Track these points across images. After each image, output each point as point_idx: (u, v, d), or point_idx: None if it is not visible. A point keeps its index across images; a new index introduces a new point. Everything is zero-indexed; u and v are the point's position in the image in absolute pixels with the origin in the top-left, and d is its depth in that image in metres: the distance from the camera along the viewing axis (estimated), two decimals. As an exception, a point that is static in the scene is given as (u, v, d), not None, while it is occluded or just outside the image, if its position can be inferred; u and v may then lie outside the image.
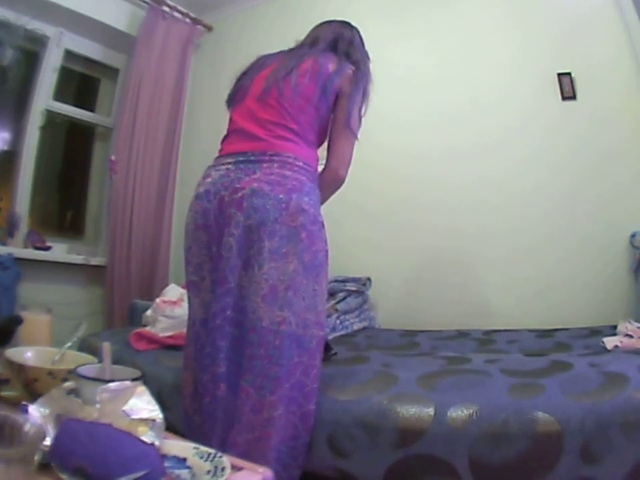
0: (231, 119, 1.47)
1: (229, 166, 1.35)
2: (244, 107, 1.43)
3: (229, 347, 1.25)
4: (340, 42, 1.53)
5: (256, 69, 1.50)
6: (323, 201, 1.46)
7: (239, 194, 1.28)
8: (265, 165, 1.31)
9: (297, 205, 1.29)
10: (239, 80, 1.52)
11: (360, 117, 1.45)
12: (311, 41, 1.55)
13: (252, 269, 1.26)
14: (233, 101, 1.51)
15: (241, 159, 1.34)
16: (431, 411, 1.15)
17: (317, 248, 1.32)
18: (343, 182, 1.44)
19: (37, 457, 0.60)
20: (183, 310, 1.92)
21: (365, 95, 1.45)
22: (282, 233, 1.27)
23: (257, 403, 1.20)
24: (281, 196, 1.28)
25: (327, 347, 1.51)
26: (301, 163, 1.35)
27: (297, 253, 1.27)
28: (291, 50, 1.55)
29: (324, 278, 1.36)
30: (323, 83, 1.38)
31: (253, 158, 1.33)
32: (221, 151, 1.44)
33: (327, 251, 1.37)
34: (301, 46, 1.56)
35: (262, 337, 1.22)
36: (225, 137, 1.46)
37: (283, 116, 1.36)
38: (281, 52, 1.56)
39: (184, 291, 2.10)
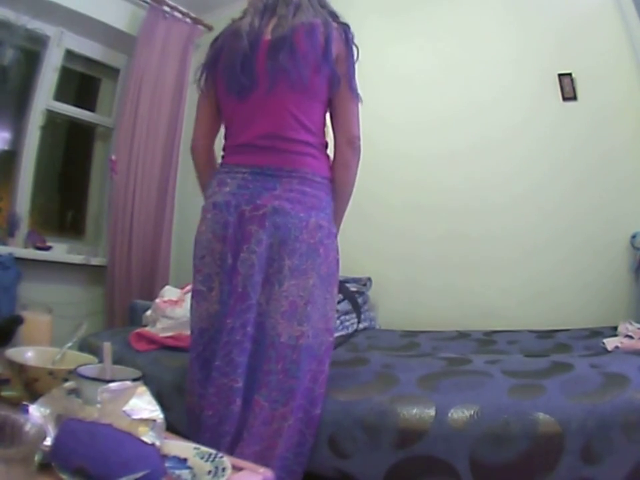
0: (238, 128, 1.37)
1: (245, 175, 1.32)
2: (253, 120, 1.34)
3: (246, 363, 1.24)
4: None
5: (250, 54, 1.32)
6: (350, 186, 1.42)
7: (261, 211, 1.27)
8: (284, 179, 1.30)
9: (315, 222, 1.30)
10: (229, 67, 1.35)
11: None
12: None
13: (271, 287, 1.26)
14: (231, 96, 1.36)
15: (258, 170, 1.32)
16: (431, 411, 1.15)
17: (331, 259, 1.34)
18: (360, 150, 1.39)
19: (37, 457, 0.60)
20: (183, 310, 1.92)
21: (355, 49, 1.39)
22: (302, 251, 1.27)
23: (268, 415, 1.20)
24: (302, 214, 1.28)
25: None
26: (318, 178, 1.34)
27: (315, 268, 1.28)
28: (265, 10, 1.38)
29: (335, 284, 1.37)
30: (326, 70, 1.32)
31: (269, 172, 1.31)
32: (229, 158, 1.38)
33: (338, 259, 1.38)
34: (271, 4, 1.39)
35: (280, 352, 1.22)
36: (234, 147, 1.38)
37: (298, 131, 1.32)
38: (254, 16, 1.37)
39: (182, 291, 2.11)
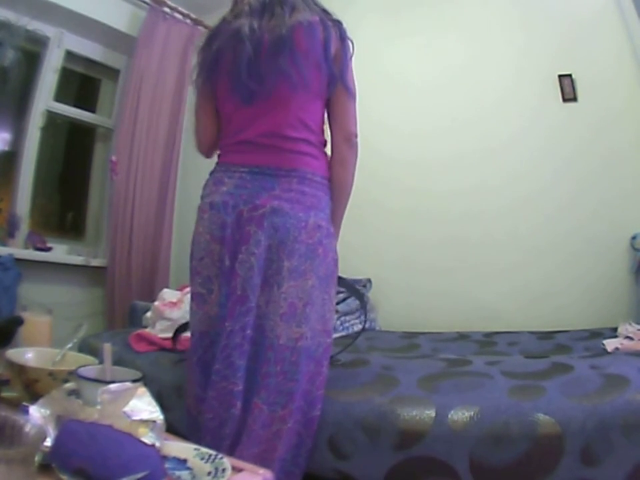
0: (237, 127, 1.35)
1: (243, 174, 1.30)
2: (254, 119, 1.32)
3: (245, 366, 1.23)
4: None
5: (254, 59, 1.30)
6: (349, 186, 1.40)
7: (260, 211, 1.26)
8: (283, 179, 1.29)
9: (314, 222, 1.29)
10: (234, 72, 1.31)
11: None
12: None
13: (270, 289, 1.25)
14: (235, 98, 1.33)
15: (256, 170, 1.30)
16: (431, 413, 1.15)
17: (329, 259, 1.33)
18: (357, 147, 1.38)
19: (37, 458, 0.60)
20: (181, 312, 1.92)
21: (350, 45, 1.38)
22: (301, 252, 1.26)
23: (267, 418, 1.19)
24: (301, 214, 1.27)
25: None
26: (318, 178, 1.33)
27: (314, 269, 1.27)
28: (263, 10, 1.34)
29: (333, 285, 1.36)
30: (325, 68, 1.31)
31: (269, 172, 1.30)
32: (226, 157, 1.37)
33: (336, 260, 1.37)
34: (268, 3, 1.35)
35: (279, 354, 1.22)
36: (232, 145, 1.36)
37: (299, 130, 1.31)
38: (252, 17, 1.33)
39: (182, 293, 2.11)
